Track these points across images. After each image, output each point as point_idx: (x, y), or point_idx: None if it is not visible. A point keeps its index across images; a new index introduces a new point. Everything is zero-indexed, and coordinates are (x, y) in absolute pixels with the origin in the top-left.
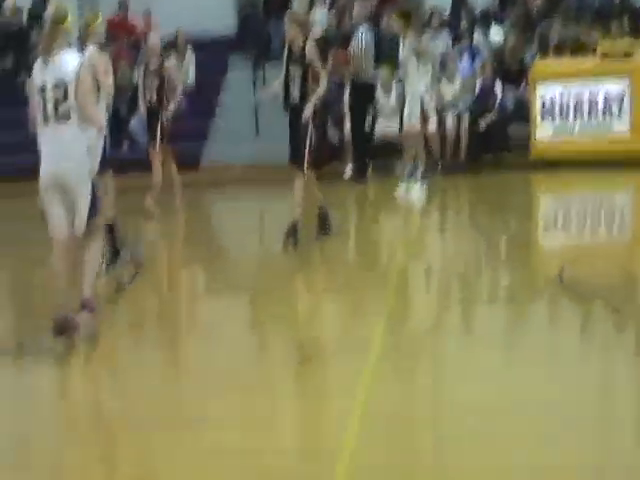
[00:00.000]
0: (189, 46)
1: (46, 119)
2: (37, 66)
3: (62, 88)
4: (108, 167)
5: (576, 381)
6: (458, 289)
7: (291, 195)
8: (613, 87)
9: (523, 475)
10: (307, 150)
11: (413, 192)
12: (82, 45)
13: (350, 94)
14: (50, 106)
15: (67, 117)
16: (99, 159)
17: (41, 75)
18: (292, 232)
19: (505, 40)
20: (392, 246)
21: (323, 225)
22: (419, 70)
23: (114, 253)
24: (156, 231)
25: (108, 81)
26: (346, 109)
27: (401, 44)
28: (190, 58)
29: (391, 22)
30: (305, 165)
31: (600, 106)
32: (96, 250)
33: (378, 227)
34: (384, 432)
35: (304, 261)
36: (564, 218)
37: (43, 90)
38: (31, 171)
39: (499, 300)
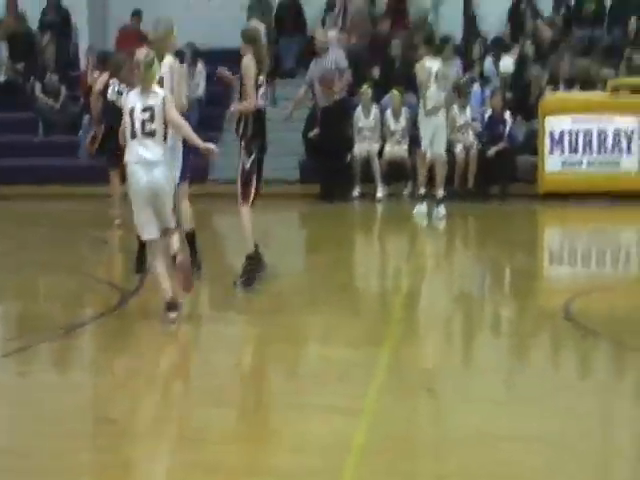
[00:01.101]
0: (199, 59)
1: (134, 135)
2: (132, 94)
3: (149, 112)
4: (185, 177)
5: (575, 415)
6: (461, 320)
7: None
8: (623, 123)
9: None
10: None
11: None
12: (159, 56)
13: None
14: (138, 125)
15: (153, 134)
16: (178, 170)
17: (133, 101)
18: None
19: (516, 70)
20: (395, 274)
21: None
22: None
23: (195, 263)
24: None
25: (181, 91)
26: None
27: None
28: (201, 71)
29: (420, 50)
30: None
31: (609, 141)
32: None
33: (382, 252)
34: (386, 458)
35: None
36: (570, 251)
37: (132, 112)
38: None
39: (502, 333)
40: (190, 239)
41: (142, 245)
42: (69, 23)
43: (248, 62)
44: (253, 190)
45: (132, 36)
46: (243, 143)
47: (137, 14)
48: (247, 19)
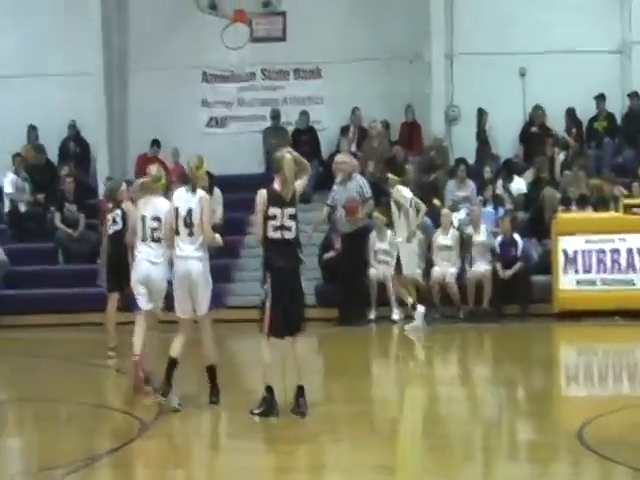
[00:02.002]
0: (215, 186)
1: (144, 239)
2: (179, 195)
3: (157, 220)
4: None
5: None
6: (476, 443)
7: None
8: (636, 241)
9: None
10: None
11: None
12: (192, 188)
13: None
14: (148, 231)
15: (159, 240)
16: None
17: (143, 210)
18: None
19: (529, 191)
20: (412, 399)
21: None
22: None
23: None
24: None
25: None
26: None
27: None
28: (217, 198)
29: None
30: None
31: (623, 260)
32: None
33: (399, 377)
34: None
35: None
36: (587, 371)
37: (143, 219)
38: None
39: (518, 458)
40: (212, 372)
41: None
42: (88, 153)
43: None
44: (268, 322)
45: (151, 164)
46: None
47: (155, 143)
48: (263, 145)
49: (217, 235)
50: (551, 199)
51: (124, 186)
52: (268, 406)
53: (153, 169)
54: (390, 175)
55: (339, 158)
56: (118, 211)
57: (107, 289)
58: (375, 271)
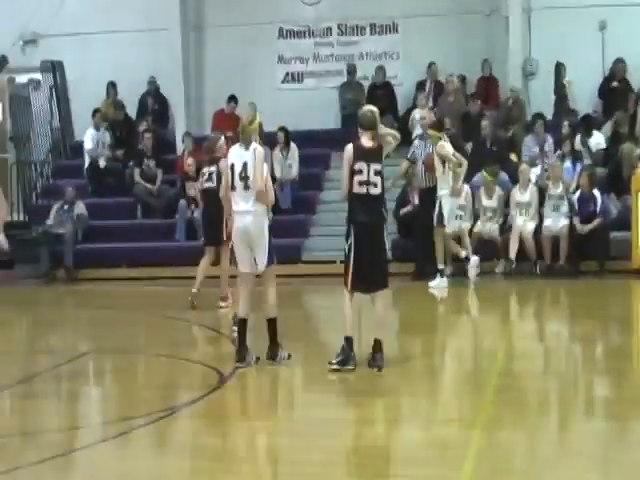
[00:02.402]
0: (292, 142)
1: (234, 188)
2: (233, 151)
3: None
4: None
5: None
6: (552, 397)
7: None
8: None
9: None
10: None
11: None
12: (246, 142)
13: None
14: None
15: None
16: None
17: (234, 158)
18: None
19: (608, 146)
20: (488, 354)
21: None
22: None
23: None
24: None
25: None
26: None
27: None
28: (294, 153)
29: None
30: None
31: None
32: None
33: (475, 332)
34: None
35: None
36: None
37: (232, 167)
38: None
39: (596, 416)
40: (272, 325)
41: (242, 328)
42: (166, 109)
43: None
44: (350, 277)
45: (228, 120)
46: (346, 227)
47: (232, 99)
48: (339, 100)
49: (269, 188)
50: (630, 154)
51: (222, 140)
52: (346, 356)
53: (244, 119)
54: (430, 131)
55: (419, 113)
56: (213, 168)
57: (203, 243)
58: (451, 226)
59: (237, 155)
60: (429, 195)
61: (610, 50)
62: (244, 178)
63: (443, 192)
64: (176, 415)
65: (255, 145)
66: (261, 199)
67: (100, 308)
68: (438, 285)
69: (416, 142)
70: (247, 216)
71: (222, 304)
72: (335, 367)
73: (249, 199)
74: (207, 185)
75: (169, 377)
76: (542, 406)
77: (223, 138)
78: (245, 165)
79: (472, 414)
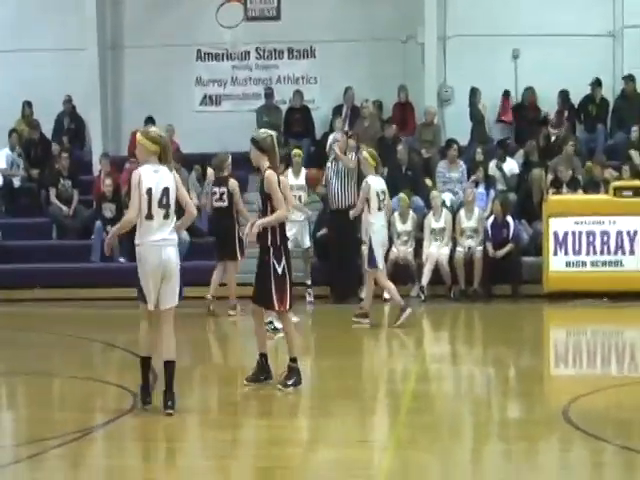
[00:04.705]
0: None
1: (150, 216)
2: (146, 174)
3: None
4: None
5: None
6: (464, 419)
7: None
8: (625, 224)
9: None
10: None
11: None
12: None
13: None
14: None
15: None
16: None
17: (149, 182)
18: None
19: (520, 173)
20: (401, 377)
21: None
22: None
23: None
24: None
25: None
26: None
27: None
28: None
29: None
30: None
31: (612, 242)
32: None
33: (388, 355)
34: None
35: None
36: (575, 351)
37: (149, 193)
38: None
39: (505, 435)
40: (170, 369)
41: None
42: (83, 129)
43: (271, 176)
44: (288, 295)
45: None
46: (272, 250)
47: (150, 120)
48: (256, 123)
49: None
50: (539, 180)
51: (230, 159)
52: (298, 376)
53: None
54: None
55: (334, 137)
56: (223, 188)
57: (217, 258)
58: (396, 251)
59: (154, 179)
60: (343, 216)
61: (523, 78)
62: (165, 206)
63: (372, 229)
64: (88, 437)
65: (165, 168)
66: (184, 226)
67: (12, 330)
68: (361, 324)
69: (328, 164)
70: (167, 247)
71: (231, 312)
72: (290, 389)
73: (167, 228)
74: (219, 204)
75: (82, 399)
76: (454, 428)
77: (230, 156)
78: (166, 191)
79: (385, 435)
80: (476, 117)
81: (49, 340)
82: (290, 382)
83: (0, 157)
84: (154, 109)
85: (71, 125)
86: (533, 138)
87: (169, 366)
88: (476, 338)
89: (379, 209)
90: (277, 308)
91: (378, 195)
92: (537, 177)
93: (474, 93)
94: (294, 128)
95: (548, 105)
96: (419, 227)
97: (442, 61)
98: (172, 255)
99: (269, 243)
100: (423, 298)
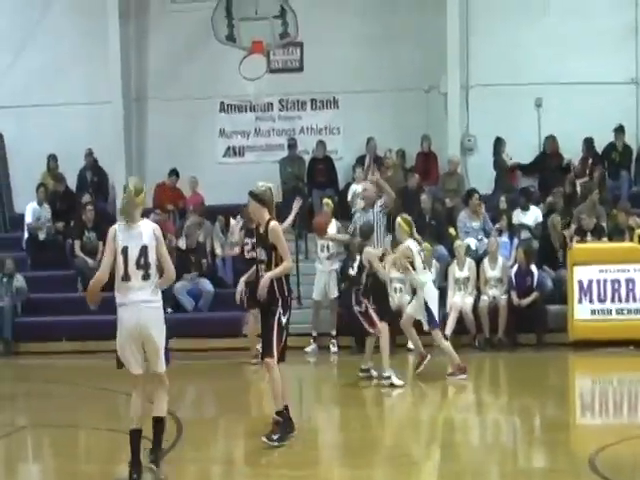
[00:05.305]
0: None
1: (127, 278)
2: (121, 232)
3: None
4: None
5: None
6: (490, 469)
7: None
8: None
9: None
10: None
11: None
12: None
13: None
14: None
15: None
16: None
17: (125, 240)
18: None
19: (543, 221)
20: (427, 427)
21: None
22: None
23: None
24: None
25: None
26: None
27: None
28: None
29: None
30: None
31: (638, 290)
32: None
33: (413, 404)
34: None
35: None
36: (601, 400)
37: (125, 252)
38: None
39: None
40: (160, 426)
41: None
42: (106, 182)
43: (276, 227)
44: (282, 347)
45: (169, 193)
46: (281, 301)
47: (174, 172)
48: (280, 174)
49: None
50: (556, 225)
51: None
52: (286, 422)
53: (131, 181)
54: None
55: (363, 186)
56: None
57: (248, 307)
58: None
59: (129, 237)
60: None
61: (546, 127)
62: (143, 266)
63: (423, 289)
64: None
65: (147, 222)
66: (161, 288)
67: (40, 382)
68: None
69: (357, 214)
70: (146, 310)
71: (253, 361)
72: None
73: (149, 288)
74: (251, 255)
75: (109, 451)
76: (480, 478)
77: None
78: (144, 250)
79: None
80: (501, 166)
81: (76, 392)
82: (275, 437)
83: (27, 211)
84: (178, 161)
85: (94, 178)
86: (557, 186)
87: (159, 423)
88: (501, 387)
89: (424, 268)
90: (270, 356)
91: (420, 255)
92: (555, 222)
93: (499, 142)
94: (317, 178)
95: (572, 153)
96: (443, 276)
97: (465, 110)
98: (152, 318)
99: (277, 294)
100: None
